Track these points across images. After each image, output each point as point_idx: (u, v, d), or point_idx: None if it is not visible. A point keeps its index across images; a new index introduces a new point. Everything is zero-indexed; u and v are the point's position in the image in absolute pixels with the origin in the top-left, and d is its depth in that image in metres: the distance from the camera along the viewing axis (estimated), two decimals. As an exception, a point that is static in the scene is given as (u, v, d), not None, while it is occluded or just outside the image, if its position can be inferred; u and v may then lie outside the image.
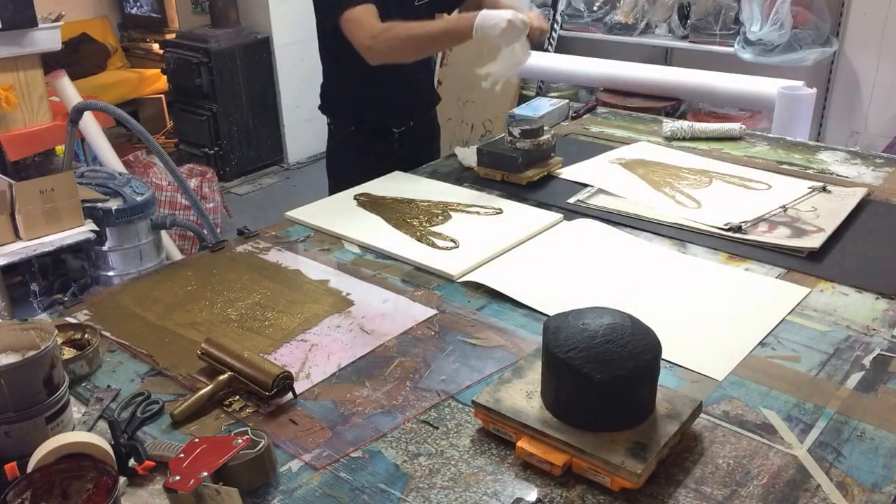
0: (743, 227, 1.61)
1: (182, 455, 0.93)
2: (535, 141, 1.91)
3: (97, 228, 2.50)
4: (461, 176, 1.99)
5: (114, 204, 2.58)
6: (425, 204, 1.79)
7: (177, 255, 3.25)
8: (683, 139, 2.20)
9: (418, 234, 1.64)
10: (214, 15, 4.93)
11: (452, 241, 1.60)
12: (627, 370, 0.94)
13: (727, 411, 1.08)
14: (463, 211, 1.75)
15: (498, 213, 1.74)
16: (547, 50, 4.21)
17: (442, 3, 2.05)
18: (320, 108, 2.17)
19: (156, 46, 5.38)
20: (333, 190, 2.03)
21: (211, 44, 4.68)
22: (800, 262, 1.49)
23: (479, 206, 1.77)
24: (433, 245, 1.60)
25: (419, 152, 2.16)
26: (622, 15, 4.04)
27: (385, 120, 2.11)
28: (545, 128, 1.97)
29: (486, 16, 1.75)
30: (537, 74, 3.84)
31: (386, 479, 0.97)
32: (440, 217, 1.72)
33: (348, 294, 1.42)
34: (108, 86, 4.99)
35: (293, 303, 1.40)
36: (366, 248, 1.61)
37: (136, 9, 5.62)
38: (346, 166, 2.13)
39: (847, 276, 1.43)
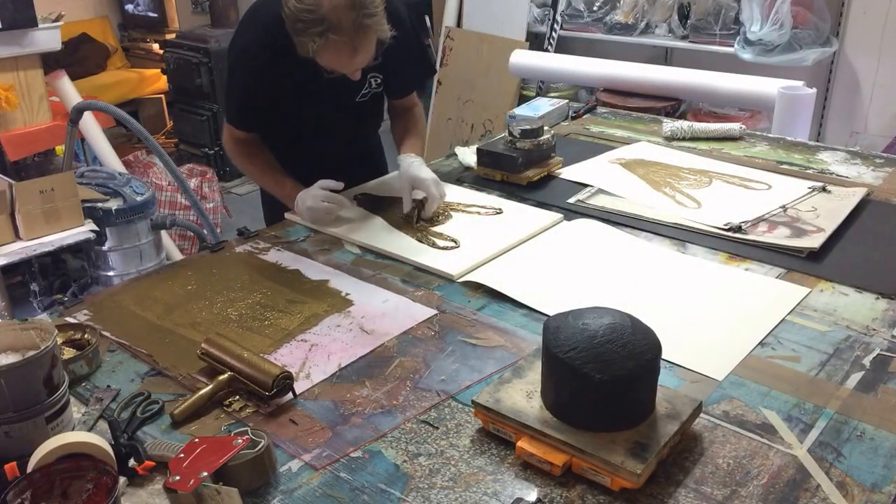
0: (743, 227, 1.61)
1: (182, 455, 0.93)
2: (535, 141, 1.91)
3: (97, 228, 2.50)
4: (461, 176, 1.99)
5: (114, 204, 2.58)
6: (425, 204, 1.79)
7: (177, 255, 3.25)
8: (683, 139, 2.20)
9: (418, 234, 1.64)
10: (214, 15, 4.93)
11: (453, 240, 1.61)
12: (627, 370, 0.94)
13: (727, 411, 1.08)
14: (463, 211, 1.75)
15: (498, 213, 1.74)
16: (547, 50, 4.21)
17: (381, 96, 1.90)
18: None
19: (156, 46, 5.38)
20: (269, 219, 1.94)
21: (211, 44, 4.68)
22: (800, 262, 1.49)
23: (478, 206, 1.77)
24: (433, 245, 1.60)
25: (359, 178, 1.97)
26: (622, 15, 4.04)
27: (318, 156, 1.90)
28: (545, 128, 1.97)
29: (297, 204, 1.72)
30: (537, 74, 3.84)
31: (386, 479, 0.97)
32: (440, 217, 1.72)
33: (348, 294, 1.42)
34: (108, 86, 4.99)
35: (293, 303, 1.40)
36: (366, 249, 1.61)
37: (134, 8, 5.62)
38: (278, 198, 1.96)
39: (847, 276, 1.43)
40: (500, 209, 1.75)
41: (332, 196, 1.71)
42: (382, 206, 1.79)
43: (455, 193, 1.85)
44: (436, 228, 1.67)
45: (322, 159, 1.88)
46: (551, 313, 1.11)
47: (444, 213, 1.74)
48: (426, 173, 1.74)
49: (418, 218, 1.69)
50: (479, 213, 1.74)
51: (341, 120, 1.87)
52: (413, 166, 1.76)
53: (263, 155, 1.84)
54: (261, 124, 1.82)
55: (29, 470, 0.90)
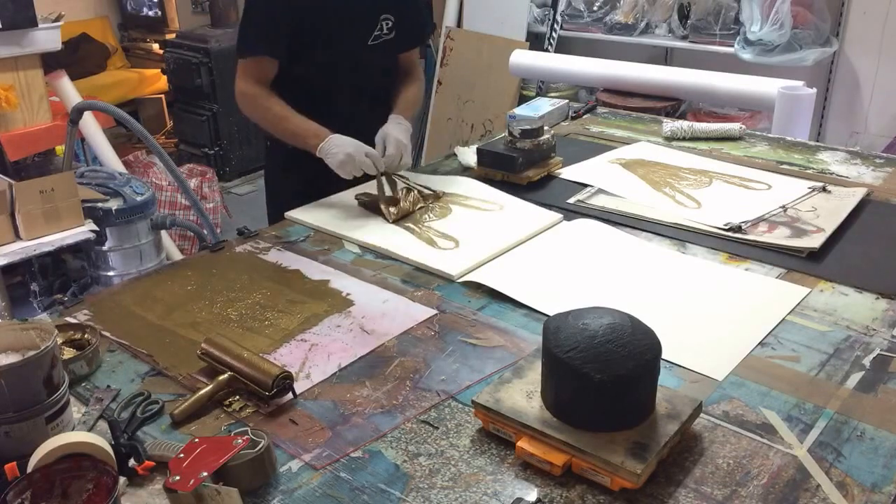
0: (743, 227, 1.61)
1: (182, 455, 0.93)
2: (535, 141, 1.91)
3: (97, 228, 2.50)
4: (461, 176, 1.99)
5: (114, 204, 2.58)
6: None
7: (177, 255, 3.25)
8: (683, 139, 2.20)
9: (419, 228, 1.65)
10: (214, 15, 4.93)
11: (453, 240, 1.61)
12: (627, 370, 0.94)
13: (727, 411, 1.08)
14: (462, 205, 1.76)
15: (498, 209, 1.74)
16: (547, 50, 4.21)
17: (396, 46, 1.96)
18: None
19: (156, 46, 5.38)
20: (273, 217, 1.93)
21: (211, 44, 4.68)
22: (800, 262, 1.49)
23: (479, 200, 1.77)
24: (432, 242, 1.60)
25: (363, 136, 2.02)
26: (622, 15, 4.04)
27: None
28: (545, 128, 1.97)
29: (331, 142, 1.75)
30: (537, 74, 3.84)
31: (386, 479, 0.97)
32: (440, 212, 1.73)
33: (348, 294, 1.42)
34: (108, 86, 4.99)
35: (293, 303, 1.40)
36: (366, 248, 1.61)
37: (136, 8, 5.62)
38: (283, 188, 2.02)
39: (847, 276, 1.43)
40: (500, 205, 1.76)
41: (374, 154, 1.75)
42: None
43: (456, 185, 1.86)
44: (435, 225, 1.67)
45: (329, 111, 1.88)
46: (551, 313, 1.11)
47: (445, 208, 1.74)
48: (396, 132, 1.81)
49: (390, 185, 1.76)
50: (479, 208, 1.75)
51: (353, 64, 1.89)
52: (391, 123, 1.85)
53: (280, 102, 1.84)
54: (280, 53, 1.82)
55: (29, 470, 0.90)
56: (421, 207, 1.75)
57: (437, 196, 1.78)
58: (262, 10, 1.82)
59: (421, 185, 1.80)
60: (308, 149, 1.79)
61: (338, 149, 1.74)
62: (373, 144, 1.88)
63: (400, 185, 1.79)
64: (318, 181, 1.84)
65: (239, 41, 1.87)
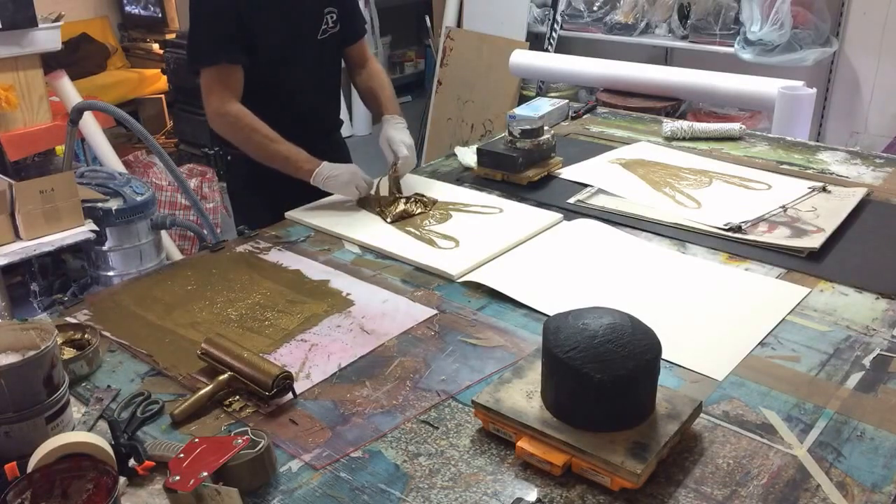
0: (743, 227, 1.61)
1: (182, 455, 0.93)
2: (535, 141, 1.91)
3: (97, 228, 2.50)
4: (461, 176, 1.99)
5: (114, 204, 2.57)
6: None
7: (177, 255, 3.25)
8: (683, 139, 2.20)
9: (419, 231, 1.65)
10: (214, 15, 4.91)
11: (453, 240, 1.61)
12: (627, 370, 0.94)
13: (727, 411, 1.08)
14: (463, 210, 1.76)
15: (498, 212, 1.74)
16: (547, 50, 4.21)
17: (342, 39, 1.98)
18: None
19: (156, 46, 5.38)
20: (240, 221, 1.91)
21: (211, 44, 4.66)
22: (800, 262, 1.49)
23: (479, 206, 1.77)
24: (433, 243, 1.60)
25: (322, 126, 2.07)
26: (622, 15, 4.04)
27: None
28: (545, 128, 1.97)
29: (326, 167, 1.76)
30: (537, 74, 3.84)
31: (386, 479, 0.97)
32: (440, 216, 1.72)
33: (348, 294, 1.42)
34: (108, 86, 4.98)
35: (293, 303, 1.40)
36: (366, 248, 1.61)
37: (136, 8, 5.62)
38: (250, 202, 2.03)
39: (847, 276, 1.43)
40: (500, 209, 1.75)
41: (369, 179, 1.81)
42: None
43: (455, 193, 1.86)
44: (436, 228, 1.67)
45: (287, 109, 1.90)
46: (551, 313, 1.11)
47: (445, 213, 1.74)
48: (402, 134, 1.86)
49: (397, 188, 1.79)
50: (479, 212, 1.75)
51: (307, 60, 1.92)
52: (390, 125, 1.90)
53: (264, 124, 1.80)
54: (240, 58, 1.80)
55: (29, 470, 0.90)
56: (421, 213, 1.74)
57: (433, 202, 1.78)
58: (211, 19, 1.78)
59: (418, 195, 1.81)
60: (299, 174, 1.78)
61: (339, 171, 1.77)
62: (333, 139, 1.97)
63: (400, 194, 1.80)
64: (286, 193, 1.81)
65: (192, 55, 1.84)
